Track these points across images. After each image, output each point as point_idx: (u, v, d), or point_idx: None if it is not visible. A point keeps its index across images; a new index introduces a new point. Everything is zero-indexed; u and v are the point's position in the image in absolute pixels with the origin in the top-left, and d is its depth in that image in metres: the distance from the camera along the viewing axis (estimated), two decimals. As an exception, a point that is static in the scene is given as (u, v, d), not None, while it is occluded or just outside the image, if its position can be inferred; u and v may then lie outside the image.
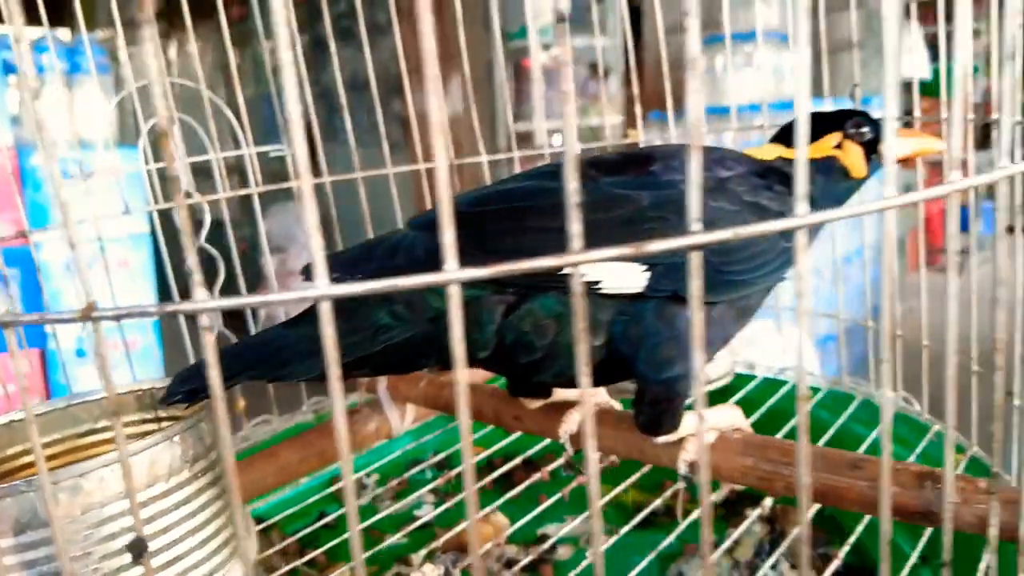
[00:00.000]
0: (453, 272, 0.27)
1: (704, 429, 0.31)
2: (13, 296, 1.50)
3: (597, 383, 0.52)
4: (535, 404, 0.56)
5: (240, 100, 0.72)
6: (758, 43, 1.73)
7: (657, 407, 0.48)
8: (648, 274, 0.44)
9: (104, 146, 1.70)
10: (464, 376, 0.27)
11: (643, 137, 0.82)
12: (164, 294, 0.66)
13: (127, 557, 0.37)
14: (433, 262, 0.31)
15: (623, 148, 0.53)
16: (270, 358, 0.42)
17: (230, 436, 0.27)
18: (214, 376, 0.27)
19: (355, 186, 0.76)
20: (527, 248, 0.43)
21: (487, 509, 0.64)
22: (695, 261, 0.29)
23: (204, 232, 0.71)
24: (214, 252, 0.70)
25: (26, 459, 0.46)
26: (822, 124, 0.55)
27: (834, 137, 0.55)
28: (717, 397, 0.71)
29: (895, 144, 0.53)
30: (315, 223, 0.26)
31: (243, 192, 0.73)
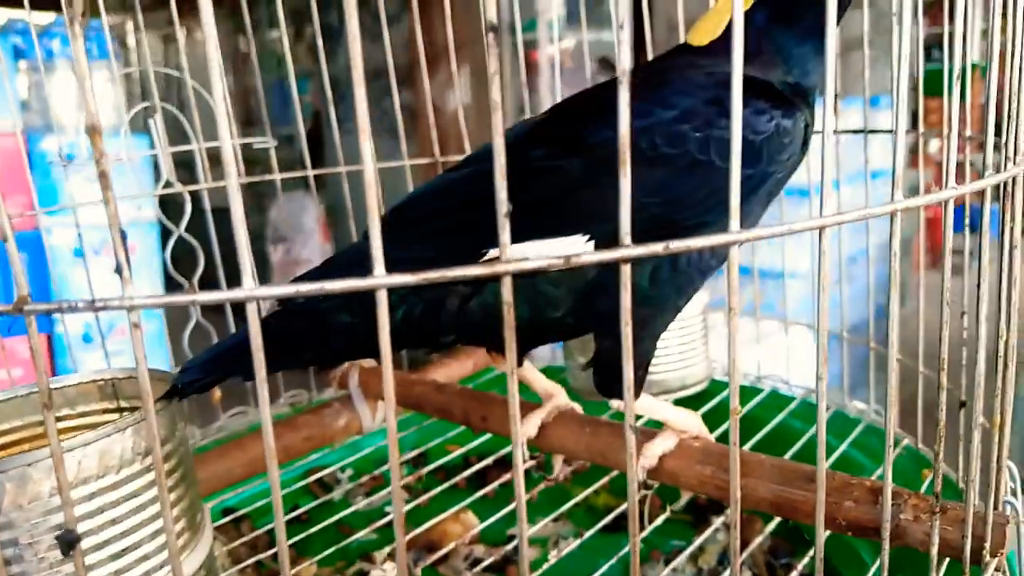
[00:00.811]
0: (381, 278, 0.28)
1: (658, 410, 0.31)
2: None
3: (565, 339, 0.52)
4: (504, 364, 0.55)
5: (220, 89, 0.72)
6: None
7: (615, 366, 0.47)
8: (592, 243, 0.44)
9: (112, 132, 1.71)
10: (390, 371, 0.28)
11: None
12: (170, 280, 0.68)
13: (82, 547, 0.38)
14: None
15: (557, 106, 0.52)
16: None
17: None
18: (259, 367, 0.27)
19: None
20: (464, 243, 0.44)
21: (456, 507, 0.64)
22: (624, 275, 0.29)
23: (184, 221, 0.71)
24: (194, 242, 0.71)
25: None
26: None
27: None
28: (692, 403, 0.70)
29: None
30: (241, 218, 0.26)
31: (221, 184, 0.74)
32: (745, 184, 0.44)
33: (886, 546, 0.39)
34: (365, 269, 0.44)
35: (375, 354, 0.49)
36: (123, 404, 0.48)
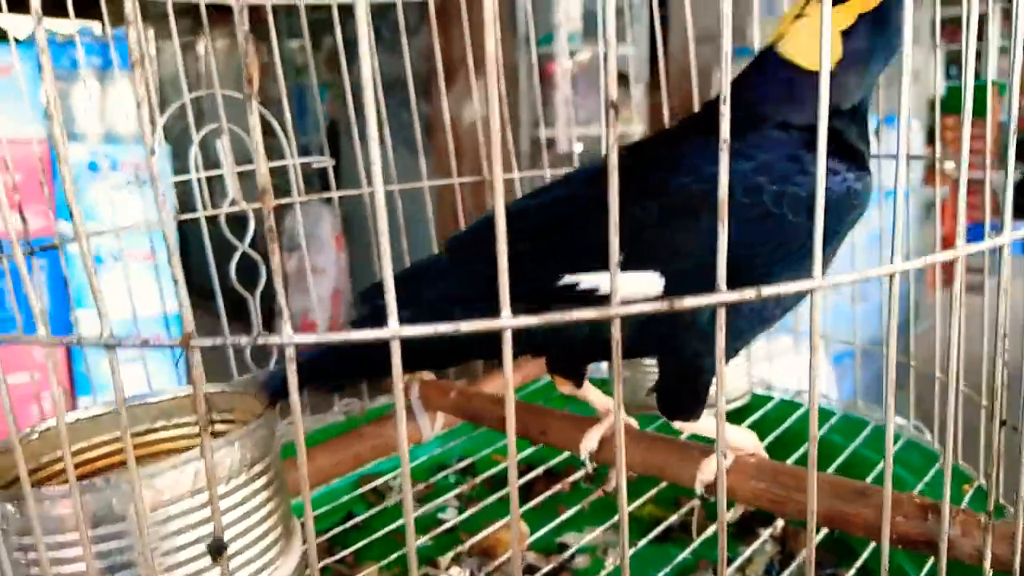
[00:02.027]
0: (507, 320, 0.30)
1: (722, 430, 0.34)
2: (40, 287, 1.54)
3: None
4: (566, 387, 0.58)
5: (286, 109, 0.75)
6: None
7: (681, 387, 0.49)
8: (663, 280, 0.45)
9: (134, 140, 1.73)
10: (402, 414, 0.30)
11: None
12: (232, 293, 0.70)
13: (191, 552, 0.40)
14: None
15: (635, 146, 0.54)
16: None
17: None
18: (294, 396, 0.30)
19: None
20: (542, 269, 0.46)
21: (508, 518, 0.67)
22: (720, 318, 0.32)
23: (248, 238, 0.74)
24: (257, 257, 0.74)
25: (88, 456, 0.50)
26: None
27: None
28: (733, 417, 0.73)
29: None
30: (386, 250, 0.29)
31: (286, 201, 0.77)
32: (809, 242, 0.46)
33: (943, 563, 0.41)
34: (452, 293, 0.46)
35: (434, 366, 0.52)
36: (215, 417, 0.51)
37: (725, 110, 0.30)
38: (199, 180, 0.74)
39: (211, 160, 0.75)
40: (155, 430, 0.51)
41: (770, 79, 0.49)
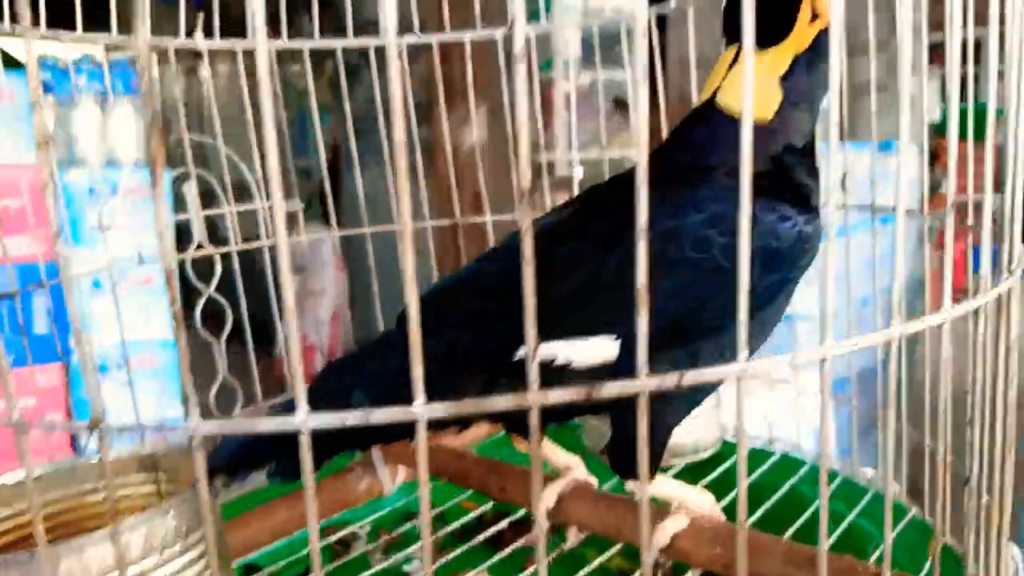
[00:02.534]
0: (420, 408, 0.29)
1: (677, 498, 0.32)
2: (40, 311, 1.55)
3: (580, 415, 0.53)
4: (523, 445, 0.57)
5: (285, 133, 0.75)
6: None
7: (631, 449, 0.48)
8: (618, 343, 0.45)
9: (134, 165, 1.74)
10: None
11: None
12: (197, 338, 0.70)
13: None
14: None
15: (590, 194, 0.53)
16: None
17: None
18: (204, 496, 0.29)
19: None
20: (497, 341, 0.45)
21: (476, 570, 0.66)
22: (641, 406, 0.31)
23: (214, 283, 0.74)
24: (224, 302, 0.74)
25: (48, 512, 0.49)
26: None
27: (806, 7, 0.47)
28: (703, 468, 0.72)
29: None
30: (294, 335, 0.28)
31: (255, 245, 0.77)
32: (768, 290, 0.46)
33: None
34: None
35: (400, 438, 0.51)
36: (160, 477, 0.51)
37: (642, 199, 0.29)
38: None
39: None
40: (101, 490, 0.50)
41: (714, 130, 0.49)
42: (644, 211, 0.29)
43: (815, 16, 0.47)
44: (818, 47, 0.47)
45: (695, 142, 0.50)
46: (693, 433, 0.75)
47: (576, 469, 0.58)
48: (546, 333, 0.44)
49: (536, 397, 0.30)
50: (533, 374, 0.30)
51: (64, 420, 1.59)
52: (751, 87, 0.29)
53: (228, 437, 0.49)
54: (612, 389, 0.30)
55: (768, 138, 0.48)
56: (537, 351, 0.30)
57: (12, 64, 1.12)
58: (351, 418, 0.29)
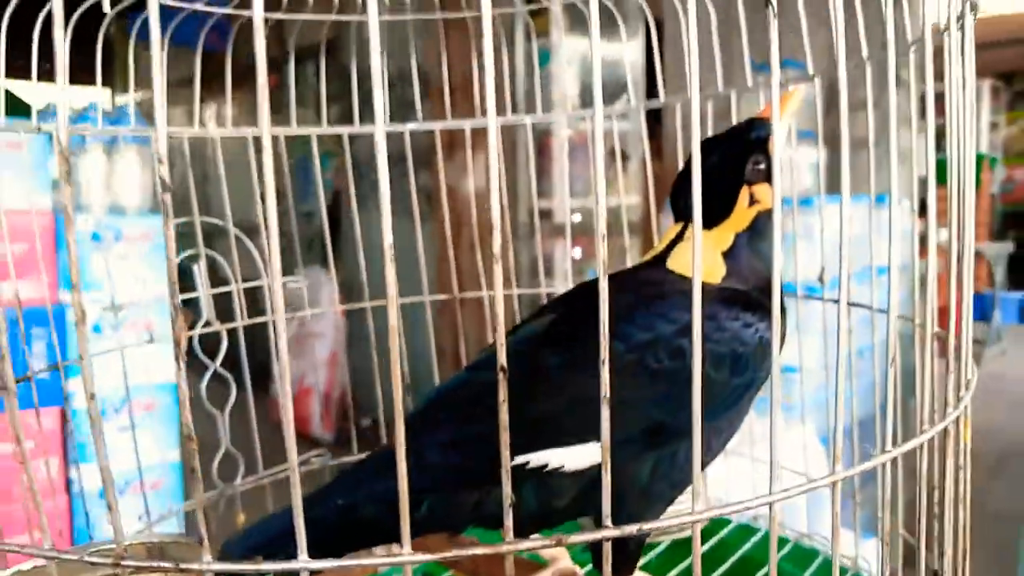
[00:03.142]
0: (407, 556, 0.30)
1: None
2: (37, 355, 1.56)
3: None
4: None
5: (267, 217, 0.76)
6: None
7: (614, 550, 0.49)
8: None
9: (138, 212, 1.76)
10: None
11: (664, 222, 0.84)
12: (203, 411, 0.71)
13: None
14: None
15: (572, 301, 0.55)
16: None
17: None
18: None
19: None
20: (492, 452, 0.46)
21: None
22: (606, 551, 0.32)
23: (219, 358, 0.75)
24: (228, 376, 0.75)
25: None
26: (721, 176, 0.52)
27: (744, 195, 0.53)
28: (687, 545, 0.70)
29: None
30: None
31: (260, 320, 0.78)
32: (733, 392, 0.49)
33: None
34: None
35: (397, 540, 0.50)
36: (165, 565, 0.50)
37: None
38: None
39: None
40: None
41: (666, 280, 0.53)
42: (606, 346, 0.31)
43: (754, 201, 0.52)
44: (757, 227, 0.53)
45: (654, 277, 0.54)
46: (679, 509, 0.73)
47: (561, 560, 0.59)
48: (540, 442, 0.46)
49: (510, 547, 0.30)
50: (508, 523, 0.31)
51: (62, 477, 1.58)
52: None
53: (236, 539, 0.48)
54: (578, 539, 0.32)
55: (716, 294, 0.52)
56: (509, 499, 0.31)
57: (20, 110, 1.15)
58: (248, 568, 0.30)
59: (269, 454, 0.79)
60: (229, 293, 0.78)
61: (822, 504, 0.75)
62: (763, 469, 0.78)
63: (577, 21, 2.14)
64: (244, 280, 0.79)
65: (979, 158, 5.47)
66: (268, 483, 0.79)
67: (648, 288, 0.51)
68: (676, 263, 0.54)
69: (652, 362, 0.47)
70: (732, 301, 0.50)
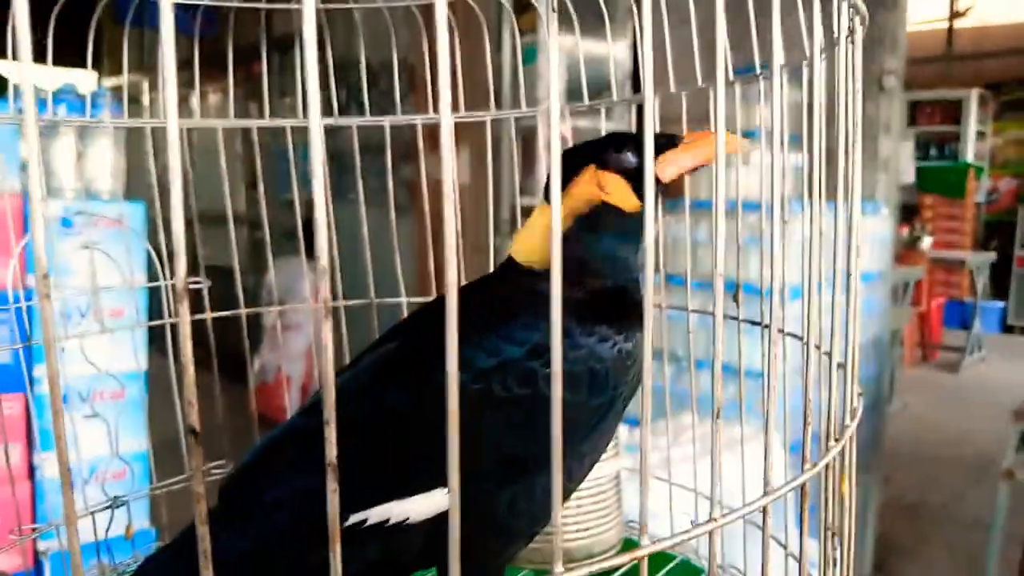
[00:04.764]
0: None
1: None
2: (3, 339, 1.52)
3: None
4: None
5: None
6: (759, 142, 1.77)
7: None
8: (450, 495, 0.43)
9: (110, 197, 1.72)
10: None
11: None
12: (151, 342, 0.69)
13: None
14: None
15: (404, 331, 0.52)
16: None
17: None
18: None
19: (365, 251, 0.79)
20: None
21: None
22: None
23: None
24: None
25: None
26: (576, 159, 0.48)
27: (589, 173, 0.48)
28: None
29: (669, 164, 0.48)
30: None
31: (229, 313, 0.77)
32: (594, 414, 0.45)
33: None
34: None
35: None
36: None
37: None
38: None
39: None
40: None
41: (518, 286, 0.49)
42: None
43: (601, 187, 0.48)
44: (594, 217, 0.48)
45: (503, 287, 0.50)
46: (591, 534, 0.69)
47: None
48: (380, 494, 0.42)
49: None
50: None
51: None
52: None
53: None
54: None
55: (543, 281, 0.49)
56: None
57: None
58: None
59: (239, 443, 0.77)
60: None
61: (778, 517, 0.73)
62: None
63: (564, 19, 2.12)
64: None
65: (965, 167, 5.51)
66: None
67: (496, 303, 0.47)
68: (517, 247, 0.50)
69: (500, 390, 0.43)
70: (585, 314, 0.45)
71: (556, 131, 0.27)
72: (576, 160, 0.48)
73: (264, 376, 3.09)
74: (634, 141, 0.48)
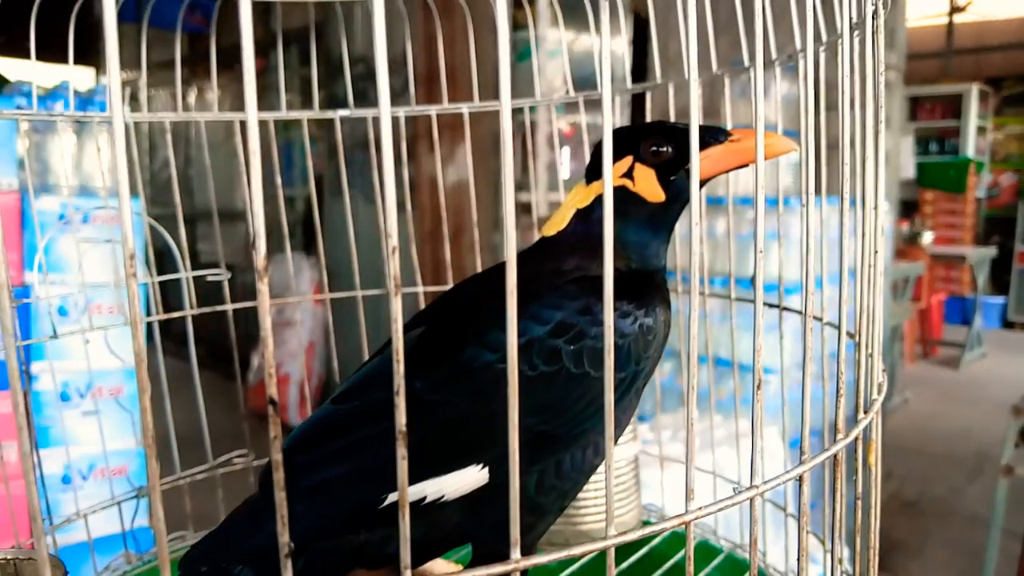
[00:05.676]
0: None
1: None
2: None
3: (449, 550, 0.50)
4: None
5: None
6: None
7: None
8: (486, 470, 0.44)
9: (106, 194, 1.72)
10: None
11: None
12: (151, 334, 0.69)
13: None
14: None
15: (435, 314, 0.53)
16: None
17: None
18: None
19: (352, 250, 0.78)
20: (363, 492, 0.44)
21: None
22: None
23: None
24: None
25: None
26: (620, 146, 0.49)
27: (624, 163, 0.49)
28: (623, 552, 0.68)
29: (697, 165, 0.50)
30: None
31: (178, 315, 0.76)
32: (617, 388, 0.46)
33: None
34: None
35: None
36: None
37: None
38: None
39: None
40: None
41: (543, 267, 0.50)
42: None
43: (631, 176, 0.49)
44: (620, 202, 0.48)
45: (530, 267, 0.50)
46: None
47: (435, 565, 0.57)
48: (411, 476, 0.42)
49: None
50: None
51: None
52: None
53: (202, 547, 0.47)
54: (483, 572, 0.28)
55: (557, 248, 0.51)
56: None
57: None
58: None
59: (232, 441, 0.78)
60: (206, 279, 0.76)
61: (769, 508, 0.74)
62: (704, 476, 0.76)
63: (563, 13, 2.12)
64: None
65: (966, 162, 5.50)
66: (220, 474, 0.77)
67: (520, 284, 0.48)
68: (547, 226, 0.52)
69: (526, 369, 0.44)
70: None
71: (609, 119, 0.28)
72: (617, 146, 0.48)
73: (262, 374, 3.08)
74: (671, 133, 0.49)
